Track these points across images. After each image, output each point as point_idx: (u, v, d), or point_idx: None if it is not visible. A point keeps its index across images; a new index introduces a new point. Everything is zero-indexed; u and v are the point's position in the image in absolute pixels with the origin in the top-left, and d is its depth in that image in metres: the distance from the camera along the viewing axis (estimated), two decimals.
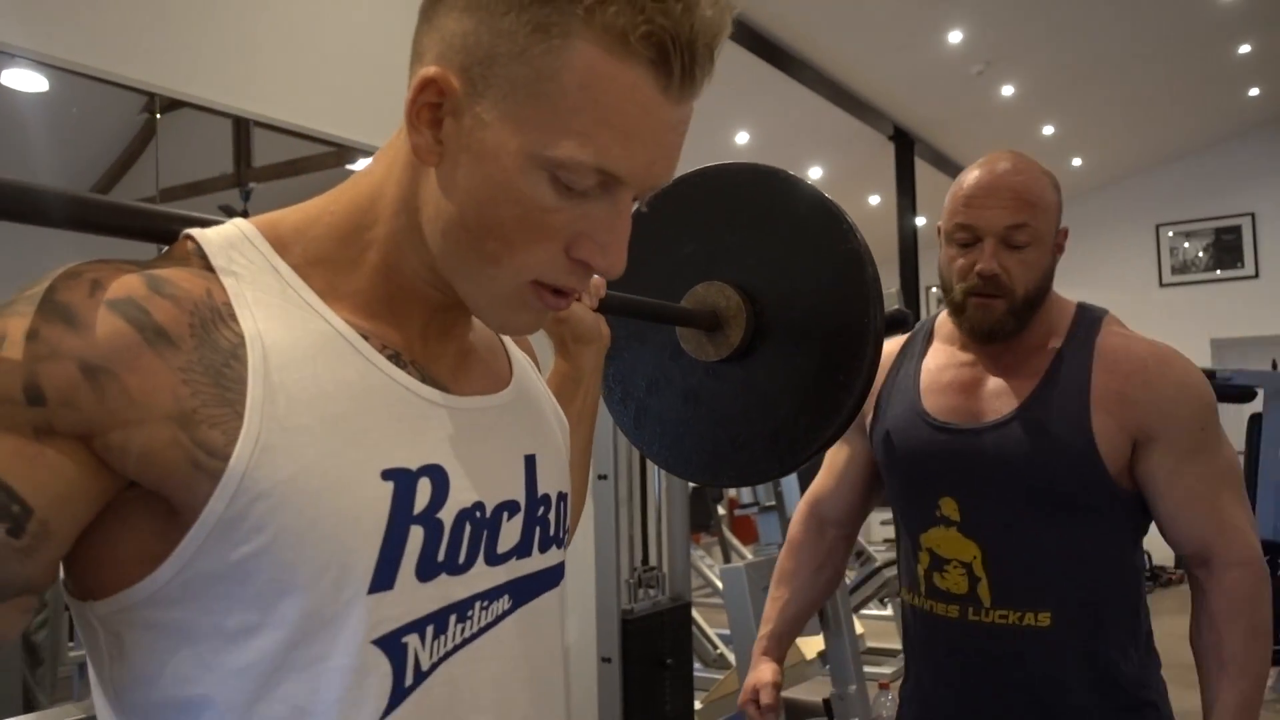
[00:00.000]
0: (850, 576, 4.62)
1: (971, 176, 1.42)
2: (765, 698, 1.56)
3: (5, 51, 2.66)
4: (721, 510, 5.40)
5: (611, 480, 2.74)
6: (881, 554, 5.82)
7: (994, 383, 1.47)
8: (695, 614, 3.70)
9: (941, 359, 1.54)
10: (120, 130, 3.19)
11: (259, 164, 3.67)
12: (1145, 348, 1.41)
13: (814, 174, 7.87)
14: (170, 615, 0.61)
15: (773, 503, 3.16)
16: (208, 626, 0.61)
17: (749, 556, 4.99)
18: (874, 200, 8.68)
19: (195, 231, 0.67)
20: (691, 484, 3.33)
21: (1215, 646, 1.35)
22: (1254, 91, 8.14)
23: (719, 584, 5.06)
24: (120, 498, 0.60)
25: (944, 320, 1.54)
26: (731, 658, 4.53)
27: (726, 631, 4.84)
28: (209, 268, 0.65)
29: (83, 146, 3.10)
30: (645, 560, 3.26)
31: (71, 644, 2.47)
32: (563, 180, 0.63)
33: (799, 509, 1.74)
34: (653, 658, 2.80)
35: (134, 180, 3.25)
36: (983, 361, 1.49)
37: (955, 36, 6.29)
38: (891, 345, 1.60)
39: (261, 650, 0.61)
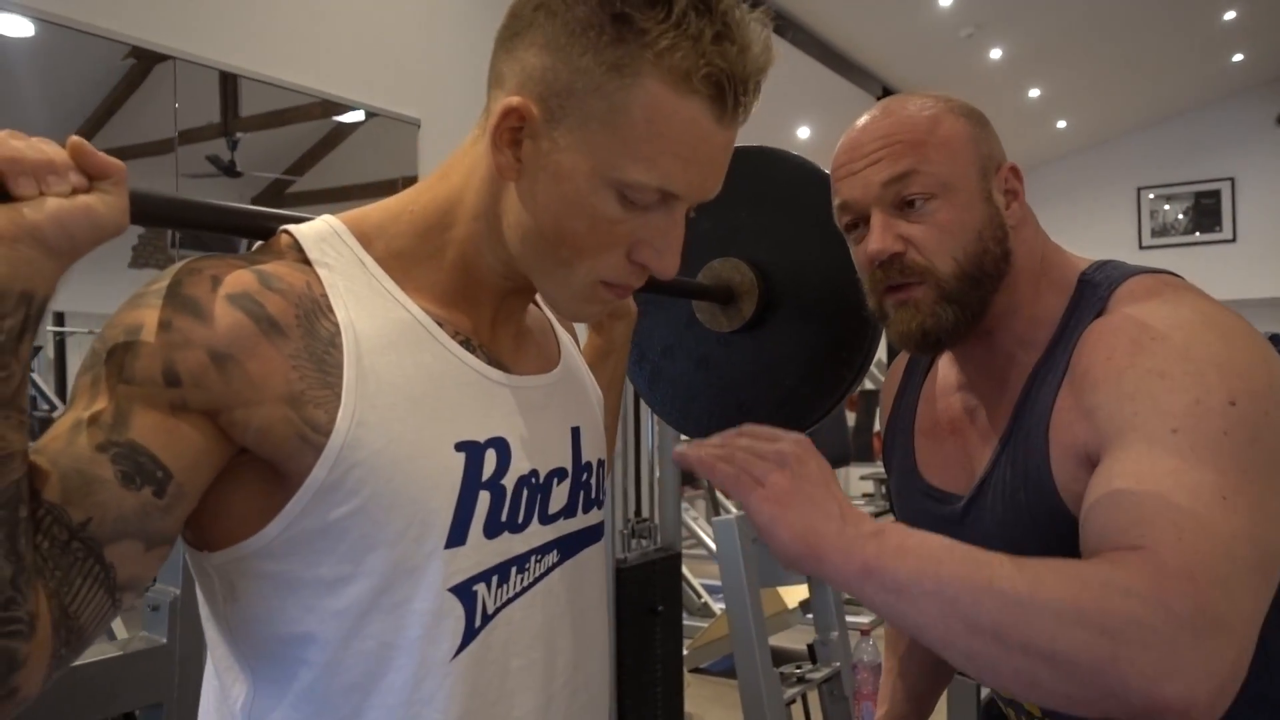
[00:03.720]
0: None
1: (842, 141, 1.03)
2: None
3: None
4: None
5: None
6: (862, 508, 5.99)
7: (982, 416, 1.05)
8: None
9: (945, 378, 1.14)
10: (105, 76, 3.21)
11: (246, 114, 3.71)
12: (1137, 322, 0.89)
13: (802, 134, 7.91)
14: (277, 566, 0.71)
15: None
16: (309, 576, 0.71)
17: (734, 510, 5.12)
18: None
19: (292, 227, 0.76)
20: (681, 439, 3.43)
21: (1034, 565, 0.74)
22: (1238, 57, 8.21)
23: (704, 536, 5.21)
24: (232, 463, 0.70)
25: None
26: (716, 607, 4.68)
27: (710, 582, 4.99)
28: (305, 260, 0.74)
29: (68, 91, 3.11)
30: (638, 512, 3.38)
31: None
32: (629, 197, 0.72)
33: None
34: (645, 605, 2.91)
35: (118, 127, 3.25)
36: (968, 382, 1.08)
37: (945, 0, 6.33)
38: (902, 358, 1.23)
39: (354, 596, 0.71)
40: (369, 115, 3.94)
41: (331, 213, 0.79)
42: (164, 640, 2.15)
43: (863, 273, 1.03)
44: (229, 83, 3.53)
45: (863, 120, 1.02)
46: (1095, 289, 0.97)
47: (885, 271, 0.99)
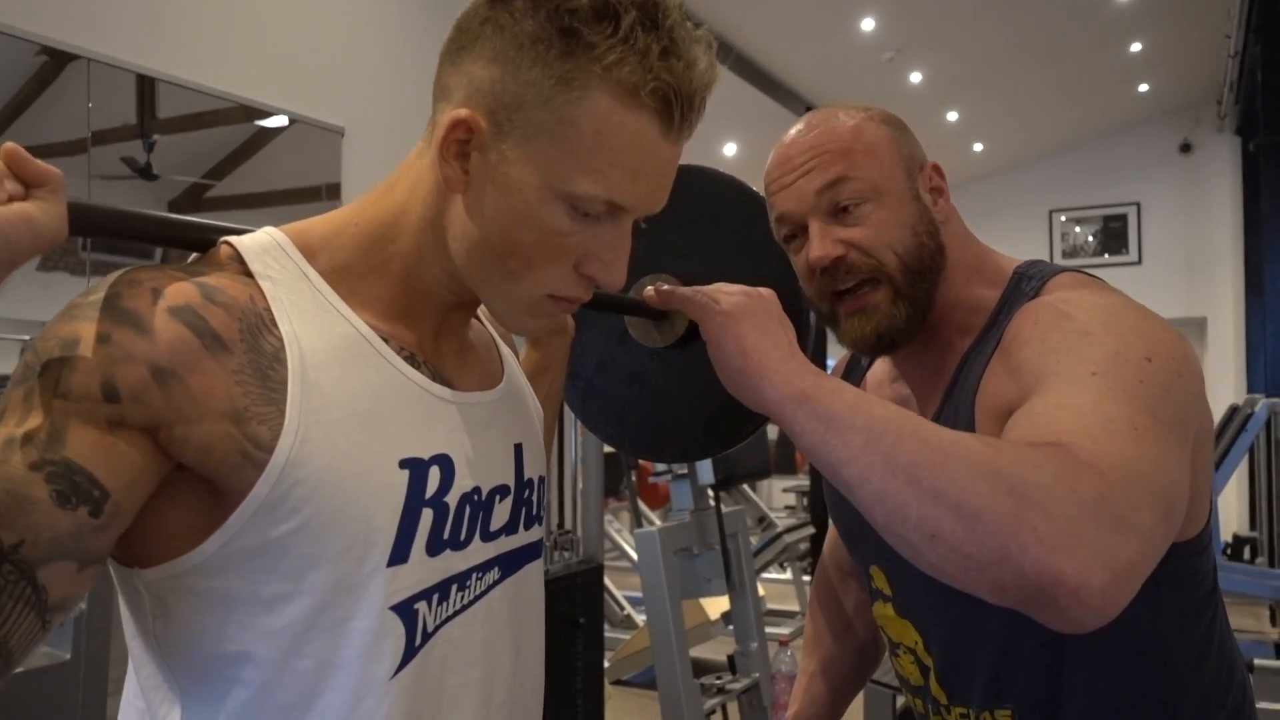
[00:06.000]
0: (754, 541, 4.81)
1: (771, 157, 1.06)
2: None
3: None
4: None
5: None
6: (783, 520, 6.08)
7: (914, 405, 1.09)
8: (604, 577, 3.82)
9: (875, 373, 1.19)
10: (15, 73, 3.10)
11: (164, 115, 3.61)
12: (1065, 299, 0.94)
13: (728, 150, 8.00)
14: (213, 583, 0.69)
15: (685, 471, 3.29)
16: (246, 594, 0.69)
17: (658, 522, 5.15)
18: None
19: (233, 239, 0.74)
20: (605, 451, 3.45)
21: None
22: (1143, 87, 8.54)
23: (627, 548, 5.22)
24: (168, 479, 0.68)
25: None
26: (639, 619, 4.69)
27: (633, 593, 5.00)
28: (246, 273, 0.72)
29: None
30: (561, 524, 3.38)
31: None
32: (577, 209, 0.73)
33: (820, 561, 1.43)
34: (566, 617, 2.91)
35: (27, 126, 3.14)
36: (901, 374, 1.13)
37: (868, 24, 6.47)
38: (842, 362, 1.29)
39: (293, 615, 0.70)
40: (292, 121, 3.88)
41: (253, 218, 0.78)
42: (67, 656, 2.07)
43: (805, 281, 1.06)
44: (146, 83, 3.44)
45: (790, 135, 1.05)
46: (1029, 280, 1.01)
47: (830, 277, 1.01)
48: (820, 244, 1.00)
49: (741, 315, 0.88)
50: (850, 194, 0.99)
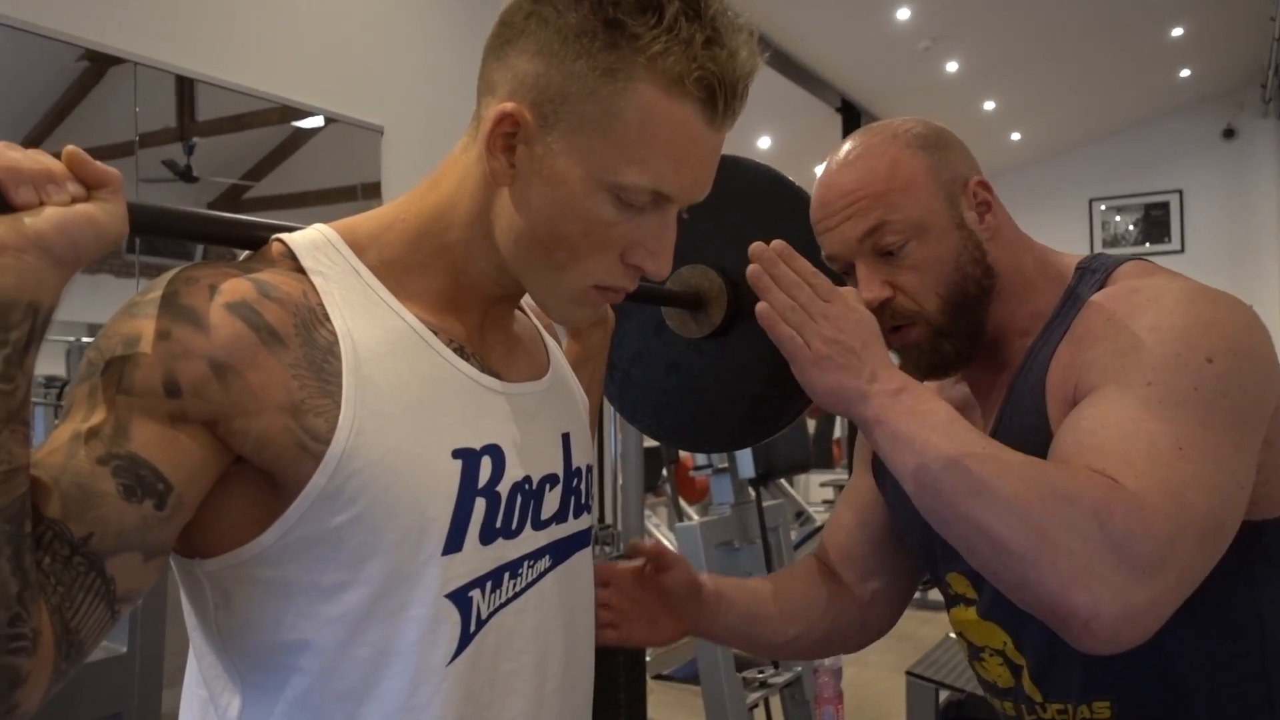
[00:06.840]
0: (793, 535, 4.80)
1: (814, 195, 1.09)
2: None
3: None
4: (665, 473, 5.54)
5: None
6: (820, 514, 6.06)
7: (977, 409, 1.12)
8: None
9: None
10: (58, 77, 3.15)
11: (203, 118, 3.66)
12: (1136, 289, 0.97)
13: (763, 143, 7.98)
14: (273, 573, 0.71)
15: (725, 465, 3.30)
16: (306, 583, 0.71)
17: (695, 517, 5.16)
18: (819, 170, 8.82)
19: (285, 236, 0.76)
20: (644, 446, 3.46)
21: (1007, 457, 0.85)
22: (1185, 73, 8.40)
23: (667, 543, 5.24)
24: (227, 471, 0.70)
25: None
26: None
27: None
28: (299, 269, 0.74)
29: (18, 91, 3.04)
30: (601, 519, 3.39)
31: None
32: (623, 199, 0.74)
33: (818, 548, 1.41)
34: None
35: (71, 130, 3.18)
36: (964, 376, 1.14)
37: (904, 13, 6.42)
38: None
39: (351, 603, 0.72)
40: (329, 121, 3.91)
41: (291, 218, 0.80)
42: (124, 649, 2.11)
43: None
44: (185, 86, 3.48)
45: (829, 170, 1.07)
46: (1092, 274, 1.04)
47: (879, 315, 1.03)
48: (868, 287, 1.03)
49: (827, 365, 0.95)
50: (892, 236, 1.02)
